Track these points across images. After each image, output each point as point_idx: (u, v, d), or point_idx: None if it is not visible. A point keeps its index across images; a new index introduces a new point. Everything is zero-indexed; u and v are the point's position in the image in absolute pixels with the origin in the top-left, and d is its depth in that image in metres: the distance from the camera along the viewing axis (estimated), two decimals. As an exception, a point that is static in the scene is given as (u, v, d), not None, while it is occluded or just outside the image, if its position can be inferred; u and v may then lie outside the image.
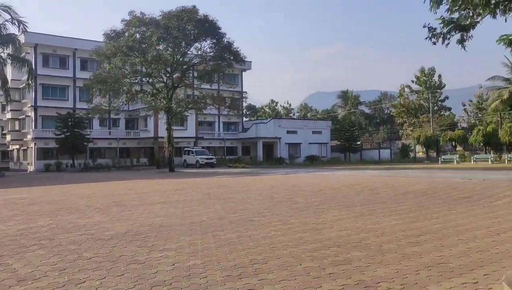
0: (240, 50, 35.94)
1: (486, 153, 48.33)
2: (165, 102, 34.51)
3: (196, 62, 37.12)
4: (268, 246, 6.39)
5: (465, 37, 9.68)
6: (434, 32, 9.80)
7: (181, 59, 35.96)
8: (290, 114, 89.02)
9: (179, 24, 33.32)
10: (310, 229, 7.79)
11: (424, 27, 9.86)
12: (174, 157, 38.06)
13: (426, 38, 9.87)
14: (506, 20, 9.09)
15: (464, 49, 9.88)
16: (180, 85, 37.73)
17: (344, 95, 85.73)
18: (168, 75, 36.03)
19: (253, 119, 75.24)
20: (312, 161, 51.65)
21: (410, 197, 12.37)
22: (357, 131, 68.28)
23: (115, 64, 33.54)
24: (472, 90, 77.81)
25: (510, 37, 9.92)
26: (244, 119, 69.13)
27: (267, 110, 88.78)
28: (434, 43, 9.82)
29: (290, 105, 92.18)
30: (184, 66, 36.70)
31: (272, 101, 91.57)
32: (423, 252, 5.82)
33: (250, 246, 6.41)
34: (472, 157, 44.50)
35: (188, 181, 22.35)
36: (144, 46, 33.97)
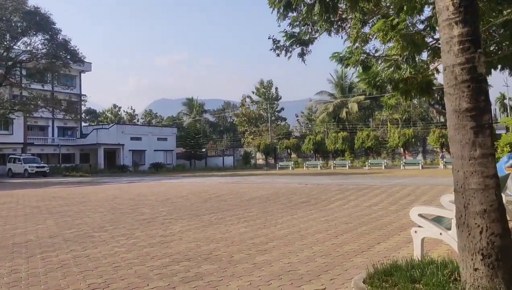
0: (78, 49, 33.18)
1: (315, 159, 53.52)
2: (-17, 103, 29.75)
3: (24, 58, 32.89)
4: (111, 266, 5.70)
5: (304, 51, 10.31)
6: (278, 44, 10.22)
7: (4, 54, 31.47)
8: (134, 120, 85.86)
9: (2, 14, 29.16)
10: (158, 242, 7.27)
11: (269, 38, 10.21)
12: (-4, 165, 32.82)
13: (271, 49, 10.23)
14: (342, 37, 9.96)
15: (304, 62, 10.52)
16: (4, 84, 32.96)
17: (189, 103, 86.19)
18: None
19: (93, 124, 70.28)
20: (158, 169, 50.46)
21: (255, 203, 12.72)
22: (202, 139, 69.15)
23: None
24: (304, 102, 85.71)
25: (340, 55, 10.93)
26: (84, 124, 64.18)
27: (109, 115, 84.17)
28: (278, 55, 10.24)
29: (134, 110, 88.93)
30: (10, 63, 32.19)
31: (115, 106, 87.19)
32: (272, 260, 5.84)
33: (89, 268, 5.64)
34: (304, 164, 48.79)
35: (13, 193, 19.49)
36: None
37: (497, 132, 40.61)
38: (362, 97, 58.71)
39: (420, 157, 44.94)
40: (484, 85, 3.38)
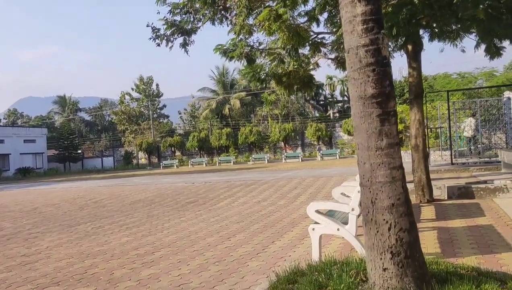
0: None
1: (200, 157, 53.01)
2: None
3: None
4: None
5: (187, 41, 9.68)
6: (158, 33, 9.42)
7: None
8: (-5, 121, 76.42)
9: None
10: (19, 264, 6.05)
11: (147, 26, 9.38)
12: None
13: (150, 38, 9.41)
14: (227, 25, 9.52)
15: (187, 53, 9.89)
16: None
17: (62, 101, 79.27)
18: None
19: None
20: (25, 174, 45.34)
21: (139, 207, 11.73)
22: (77, 139, 64.09)
23: None
24: (187, 99, 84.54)
25: (224, 47, 10.53)
26: None
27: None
28: (158, 45, 9.47)
29: (-6, 110, 79.12)
30: None
31: (-31, 105, 76.58)
32: (160, 273, 5.14)
33: None
34: (189, 161, 47.94)
35: None
36: None
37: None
38: (243, 94, 59.73)
39: (299, 150, 47.08)
40: (389, 69, 3.13)
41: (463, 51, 10.67)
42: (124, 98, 71.10)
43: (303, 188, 12.52)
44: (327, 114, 63.28)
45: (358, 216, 4.77)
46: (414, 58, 9.09)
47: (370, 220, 3.23)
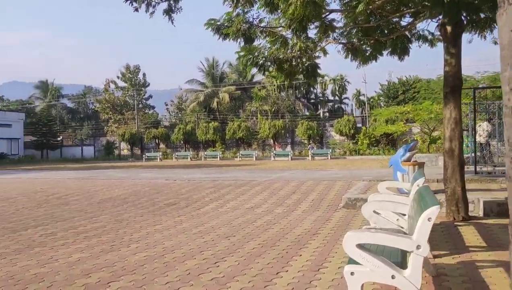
0: None
1: (186, 150, 50.99)
2: None
3: None
4: None
5: (172, 8, 7.83)
6: (136, -7, 7.56)
7: None
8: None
9: None
10: None
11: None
12: None
13: (126, 1, 7.53)
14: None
15: (172, 23, 8.05)
16: None
17: (43, 86, 76.20)
18: None
19: None
20: (-2, 160, 42.82)
21: (108, 207, 9.84)
22: (57, 126, 61.52)
23: None
24: (173, 92, 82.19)
25: (218, 22, 8.80)
26: None
27: None
28: (137, 10, 7.61)
29: (-27, 93, 75.94)
30: None
31: None
32: (111, 330, 3.32)
33: None
34: (173, 155, 45.90)
35: None
36: None
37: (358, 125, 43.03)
38: (233, 88, 57.78)
39: (289, 148, 45.41)
40: None
41: (495, 43, 9.07)
42: (109, 86, 68.51)
43: (303, 193, 10.76)
44: (317, 113, 61.78)
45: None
46: (453, 43, 7.38)
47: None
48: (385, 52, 9.61)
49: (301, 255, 5.39)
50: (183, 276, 4.63)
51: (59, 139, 56.12)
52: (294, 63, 9.84)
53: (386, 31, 9.26)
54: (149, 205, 10.13)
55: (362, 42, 9.28)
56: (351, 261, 3.22)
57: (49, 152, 52.05)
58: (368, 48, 9.33)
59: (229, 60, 60.55)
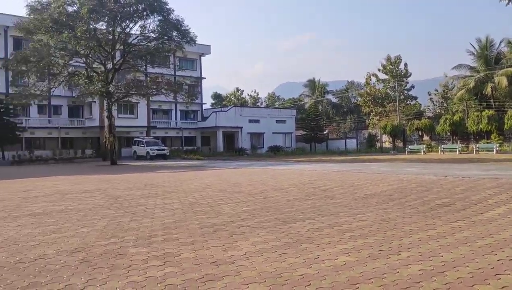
0: (190, 28, 32.00)
1: (453, 142, 46.56)
2: (100, 86, 30.10)
3: (139, 41, 32.76)
4: None
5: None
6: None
7: (122, 37, 31.65)
8: (258, 104, 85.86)
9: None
10: (200, 279, 4.48)
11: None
12: (125, 148, 33.88)
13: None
14: None
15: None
16: (122, 68, 33.38)
17: (311, 84, 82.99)
18: (106, 55, 31.68)
19: (217, 107, 71.15)
20: (276, 152, 48.64)
21: (372, 204, 9.29)
22: (323, 120, 65.73)
23: (39, 39, 29.08)
24: (437, 81, 76.35)
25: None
26: (207, 107, 65.43)
27: (233, 99, 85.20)
28: None
29: (257, 94, 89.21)
30: (126, 46, 32.30)
31: (238, 89, 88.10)
32: None
33: None
34: (439, 147, 42.47)
35: (116, 178, 18.74)
36: (73, 19, 29.06)
37: None
38: (512, 69, 49.27)
39: None
40: None
41: None
42: (370, 80, 68.97)
43: None
44: None
45: None
46: None
47: None
48: None
49: None
50: (475, 308, 3.54)
51: (325, 132, 59.89)
52: None
53: None
54: (418, 204, 9.07)
55: None
56: None
57: (316, 145, 56.08)
58: None
59: (508, 37, 51.81)
